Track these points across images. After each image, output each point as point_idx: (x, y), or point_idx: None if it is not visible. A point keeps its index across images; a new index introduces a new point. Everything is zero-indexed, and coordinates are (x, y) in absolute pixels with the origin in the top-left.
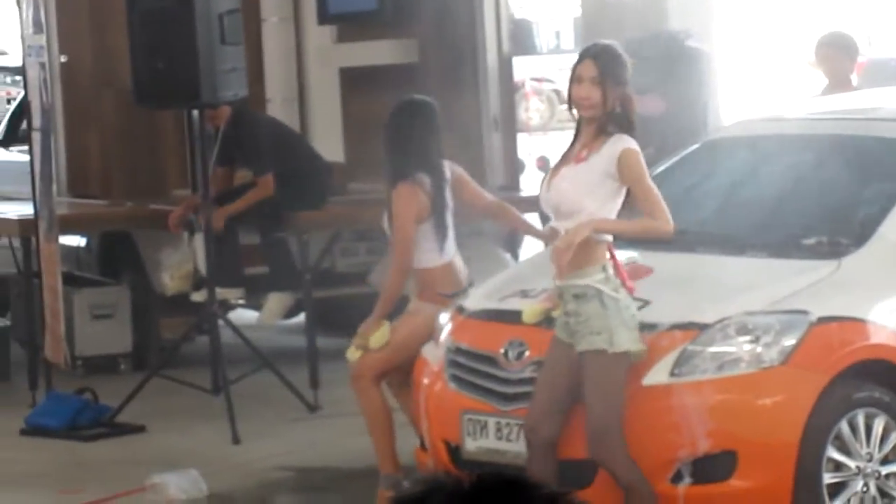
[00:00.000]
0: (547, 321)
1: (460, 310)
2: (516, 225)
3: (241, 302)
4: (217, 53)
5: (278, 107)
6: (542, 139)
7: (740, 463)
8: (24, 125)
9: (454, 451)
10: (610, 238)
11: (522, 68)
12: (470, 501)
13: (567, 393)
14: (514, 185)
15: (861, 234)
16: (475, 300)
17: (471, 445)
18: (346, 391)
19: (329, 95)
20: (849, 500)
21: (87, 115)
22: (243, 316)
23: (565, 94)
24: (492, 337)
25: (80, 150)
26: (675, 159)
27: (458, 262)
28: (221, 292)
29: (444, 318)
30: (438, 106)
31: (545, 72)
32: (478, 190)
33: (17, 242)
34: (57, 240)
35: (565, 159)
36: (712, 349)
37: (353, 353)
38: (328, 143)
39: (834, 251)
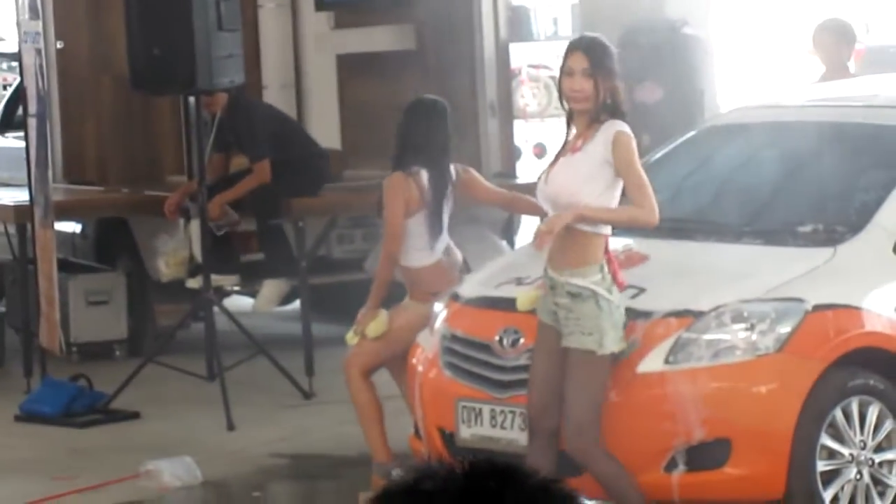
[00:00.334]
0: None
1: (455, 297)
2: (534, 212)
3: (236, 289)
4: (214, 40)
5: (275, 93)
6: (539, 126)
7: (734, 450)
8: (19, 111)
9: (448, 439)
10: (608, 231)
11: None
12: (462, 489)
13: (561, 381)
14: (510, 171)
15: (857, 221)
16: (470, 287)
17: (465, 433)
18: (342, 378)
19: (326, 82)
20: (842, 488)
21: (84, 102)
22: (239, 303)
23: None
24: (487, 324)
25: (76, 136)
26: (671, 146)
27: (450, 260)
28: (217, 279)
29: (439, 306)
30: (442, 99)
31: (542, 58)
32: (488, 186)
33: (12, 229)
34: (52, 226)
35: (562, 152)
36: (707, 337)
37: (351, 339)
38: (325, 129)
39: (830, 239)
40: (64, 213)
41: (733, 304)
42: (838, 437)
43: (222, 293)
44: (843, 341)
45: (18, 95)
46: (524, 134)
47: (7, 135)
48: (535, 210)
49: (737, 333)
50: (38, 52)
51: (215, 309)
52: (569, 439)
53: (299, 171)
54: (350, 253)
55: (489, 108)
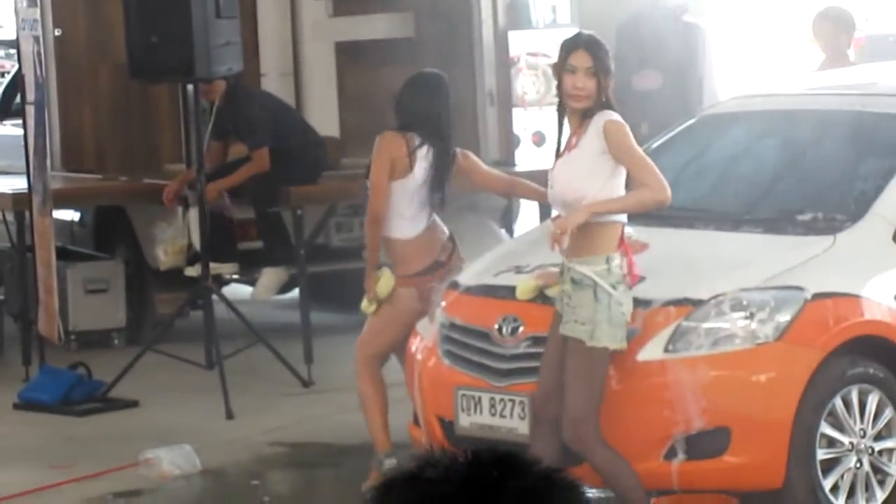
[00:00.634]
0: (541, 297)
1: (454, 285)
2: (535, 196)
3: (235, 277)
4: (212, 27)
5: (273, 81)
6: (538, 114)
7: (734, 439)
8: (17, 99)
9: (448, 427)
10: (624, 218)
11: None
12: (465, 477)
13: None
14: (509, 160)
15: (856, 209)
16: (469, 275)
17: (464, 421)
18: (340, 367)
19: (324, 70)
20: (842, 476)
21: (82, 89)
22: (237, 291)
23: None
24: (486, 312)
25: (74, 124)
26: (670, 134)
27: (433, 236)
28: (215, 267)
29: (439, 295)
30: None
31: (541, 47)
32: (487, 171)
33: (10, 216)
34: (51, 214)
35: (559, 154)
36: (707, 325)
37: (367, 307)
38: (323, 117)
39: (829, 227)
40: (62, 201)
41: (733, 292)
42: (838, 425)
43: (221, 281)
44: (843, 330)
45: (16, 83)
46: (523, 122)
47: (5, 122)
48: (535, 195)
49: (736, 322)
50: (36, 39)
51: (214, 297)
52: (564, 429)
53: (298, 159)
54: (349, 241)
55: (488, 96)
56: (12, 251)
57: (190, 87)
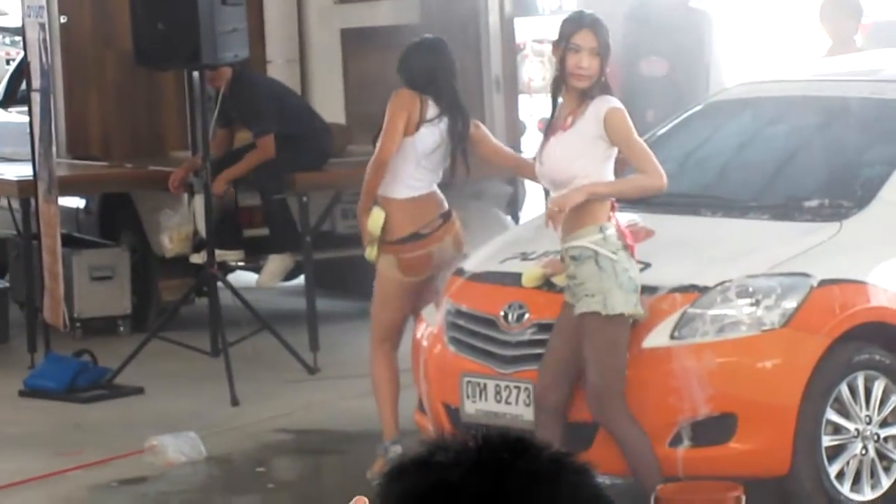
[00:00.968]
0: (546, 284)
1: (460, 272)
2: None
3: (240, 264)
4: (218, 14)
5: (279, 68)
6: (544, 101)
7: (740, 425)
8: (23, 86)
9: (453, 414)
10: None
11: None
12: (475, 461)
13: (574, 357)
14: (515, 146)
15: (863, 196)
16: (475, 262)
17: (470, 408)
18: (346, 354)
19: (330, 56)
20: (848, 463)
21: (87, 76)
22: (243, 278)
23: None
24: (492, 299)
25: (79, 111)
26: (677, 121)
27: (423, 207)
28: (221, 254)
29: (444, 282)
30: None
31: (547, 33)
32: (497, 145)
33: (16, 204)
34: (56, 201)
35: (551, 130)
36: (713, 312)
37: (370, 253)
38: (329, 104)
39: (835, 213)
40: (67, 188)
41: (739, 279)
42: (844, 412)
43: (226, 268)
44: (849, 316)
45: (22, 70)
46: (529, 108)
47: (11, 110)
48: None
49: (742, 309)
50: (42, 26)
51: (219, 284)
52: (590, 407)
53: (303, 146)
54: (354, 228)
55: (494, 82)
56: (18, 238)
57: (196, 74)
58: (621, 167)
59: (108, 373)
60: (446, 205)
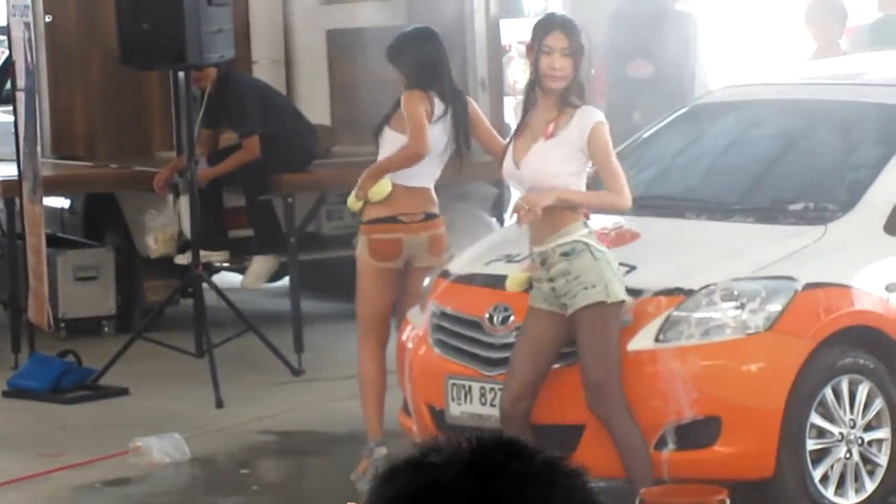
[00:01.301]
0: (531, 288)
1: (445, 274)
2: None
3: (225, 265)
4: (204, 14)
5: (265, 69)
6: None
7: (724, 429)
8: (8, 85)
9: (438, 416)
10: None
11: (510, 31)
12: (467, 462)
13: (542, 364)
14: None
15: (848, 199)
16: (460, 264)
17: (455, 410)
18: (331, 355)
19: (316, 57)
20: (832, 467)
21: (72, 76)
22: (228, 279)
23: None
24: (477, 301)
25: (64, 110)
26: (662, 123)
27: (410, 198)
28: (206, 255)
29: (428, 283)
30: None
31: None
32: (489, 127)
33: (0, 204)
34: (41, 201)
35: (527, 133)
36: (698, 315)
37: (353, 203)
38: (314, 105)
39: (820, 217)
40: (52, 188)
41: (724, 282)
42: (828, 415)
43: (211, 269)
44: (834, 320)
45: (6, 69)
46: (514, 110)
47: None
48: None
49: (727, 312)
50: (27, 25)
51: (204, 285)
52: (590, 401)
53: (288, 147)
54: (339, 229)
55: (480, 84)
56: (2, 238)
57: (181, 74)
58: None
59: (93, 373)
60: (437, 209)
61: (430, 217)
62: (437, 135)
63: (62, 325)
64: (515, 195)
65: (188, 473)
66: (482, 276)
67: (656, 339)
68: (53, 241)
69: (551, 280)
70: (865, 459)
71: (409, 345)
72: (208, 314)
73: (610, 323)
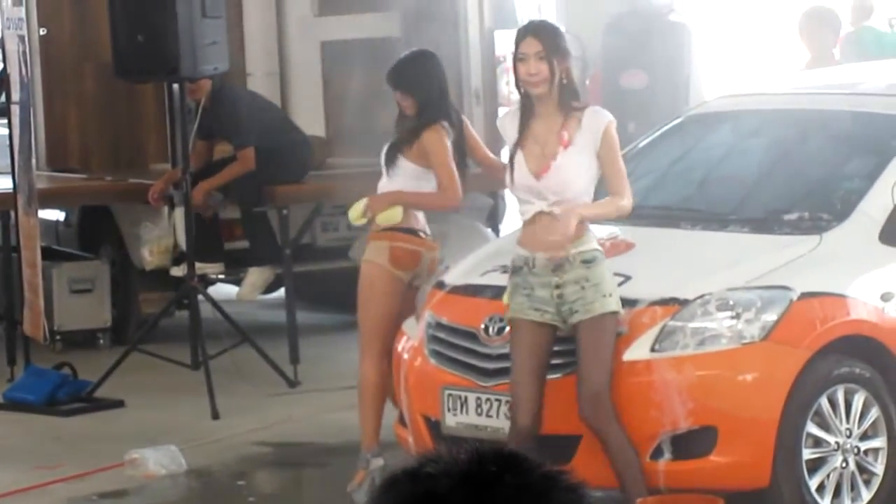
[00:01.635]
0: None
1: (441, 285)
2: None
3: (220, 276)
4: (198, 27)
5: (259, 81)
6: None
7: (720, 438)
8: (2, 98)
9: (434, 427)
10: None
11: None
12: (464, 473)
13: (543, 373)
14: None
15: (842, 209)
16: (456, 275)
17: (450, 421)
18: (327, 366)
19: (310, 69)
20: (828, 476)
21: (67, 89)
22: (223, 290)
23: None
24: (472, 312)
25: (59, 123)
26: (657, 133)
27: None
28: (201, 267)
29: (426, 294)
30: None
31: None
32: (480, 143)
33: None
34: (36, 214)
35: (533, 143)
36: (693, 325)
37: (356, 218)
38: (309, 117)
39: (815, 226)
40: (47, 200)
41: (719, 292)
42: (824, 425)
43: (206, 281)
44: (829, 329)
45: (1, 82)
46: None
47: None
48: None
49: (722, 322)
50: (22, 38)
51: (200, 297)
52: (585, 410)
53: (283, 159)
54: (335, 241)
55: (474, 95)
56: None
57: (175, 86)
58: None
59: (88, 386)
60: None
61: (432, 238)
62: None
63: (58, 337)
64: (512, 206)
65: (184, 485)
66: (477, 287)
67: (652, 350)
68: (49, 254)
69: (558, 287)
70: (861, 469)
71: (405, 356)
72: (204, 326)
73: (611, 332)
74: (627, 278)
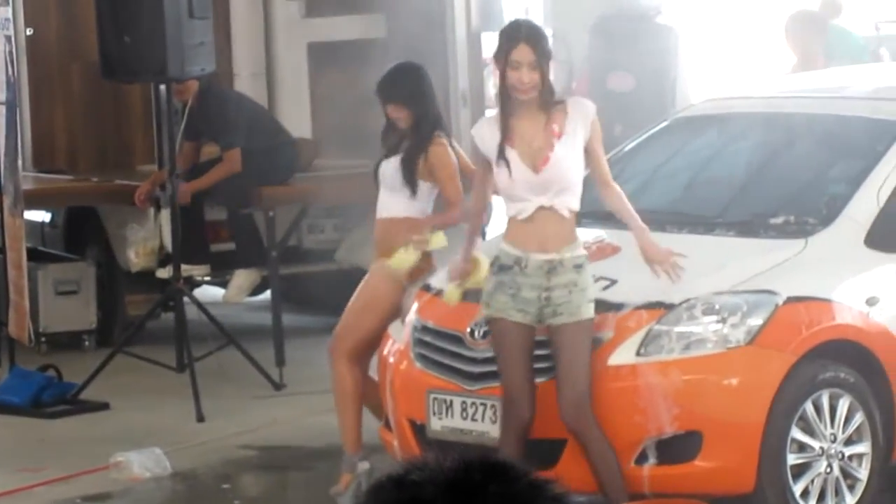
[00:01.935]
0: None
1: (426, 288)
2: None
3: (206, 278)
4: (185, 27)
5: (246, 82)
6: None
7: (705, 443)
8: None
9: (419, 430)
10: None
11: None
12: (449, 481)
13: (531, 374)
14: None
15: (828, 213)
16: (442, 279)
17: (436, 424)
18: (312, 369)
19: (297, 70)
20: (812, 481)
21: (54, 89)
22: (209, 293)
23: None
24: (458, 316)
25: (45, 124)
26: (643, 137)
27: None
28: (187, 269)
29: (411, 297)
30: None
31: None
32: (463, 154)
33: None
34: (22, 215)
35: (521, 141)
36: (679, 329)
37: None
38: (296, 118)
39: (801, 230)
40: (33, 201)
41: (704, 296)
42: (809, 430)
43: (192, 283)
44: (815, 334)
45: None
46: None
47: None
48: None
49: (708, 326)
50: (8, 38)
51: (185, 299)
52: (567, 415)
53: (270, 160)
54: (321, 243)
55: (461, 97)
56: None
57: (162, 87)
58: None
59: (73, 388)
60: None
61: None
62: None
63: (43, 339)
64: (499, 207)
65: (169, 488)
66: (463, 291)
67: (637, 354)
68: (34, 255)
69: (548, 289)
70: (846, 474)
71: (391, 359)
72: (189, 328)
73: (587, 336)
74: (613, 282)
